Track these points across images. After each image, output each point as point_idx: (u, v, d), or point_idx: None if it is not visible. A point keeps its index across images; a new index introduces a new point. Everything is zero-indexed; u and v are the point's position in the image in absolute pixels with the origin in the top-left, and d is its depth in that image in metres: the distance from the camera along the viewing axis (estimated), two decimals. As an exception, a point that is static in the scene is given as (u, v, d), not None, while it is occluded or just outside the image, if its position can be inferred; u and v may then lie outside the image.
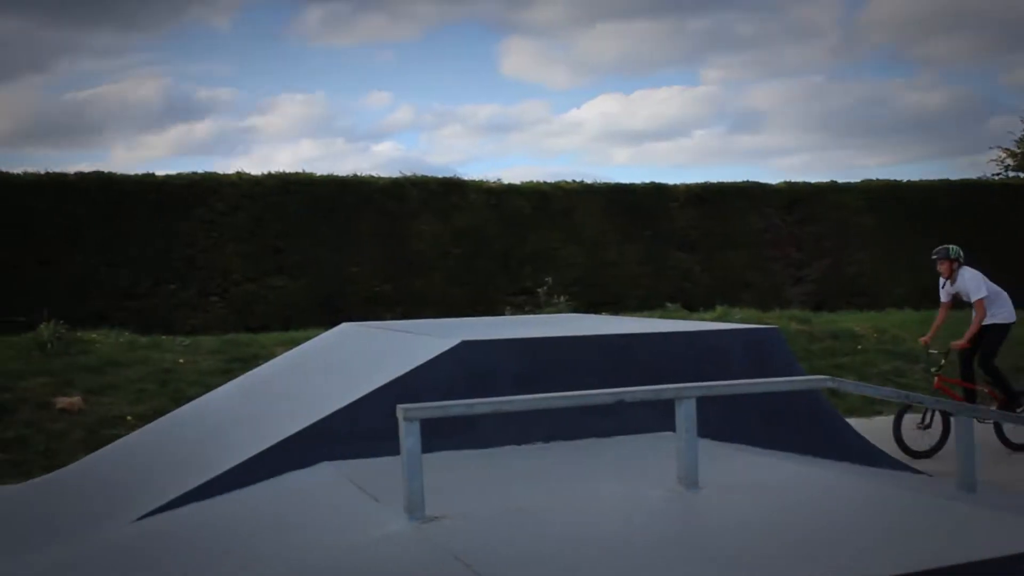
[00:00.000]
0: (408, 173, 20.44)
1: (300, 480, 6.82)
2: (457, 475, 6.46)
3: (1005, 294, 11.92)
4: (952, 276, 11.89)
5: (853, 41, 59.43)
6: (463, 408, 5.75)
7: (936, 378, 11.91)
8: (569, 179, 22.06)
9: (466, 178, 21.02)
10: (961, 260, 11.91)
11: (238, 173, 19.30)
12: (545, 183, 21.78)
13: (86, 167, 18.69)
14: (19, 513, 9.04)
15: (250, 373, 10.69)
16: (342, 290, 18.93)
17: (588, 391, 6.01)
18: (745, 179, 23.68)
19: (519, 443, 7.39)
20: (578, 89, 62.36)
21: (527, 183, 21.64)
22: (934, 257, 12.02)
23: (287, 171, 19.63)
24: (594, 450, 7.25)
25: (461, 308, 18.24)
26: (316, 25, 55.08)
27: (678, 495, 5.69)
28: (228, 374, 12.53)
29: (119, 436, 11.05)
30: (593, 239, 21.34)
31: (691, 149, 62.32)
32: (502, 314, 16.63)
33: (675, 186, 22.99)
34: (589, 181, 22.22)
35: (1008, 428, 11.64)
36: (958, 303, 12.18)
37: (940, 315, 12.19)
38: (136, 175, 18.69)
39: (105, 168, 18.79)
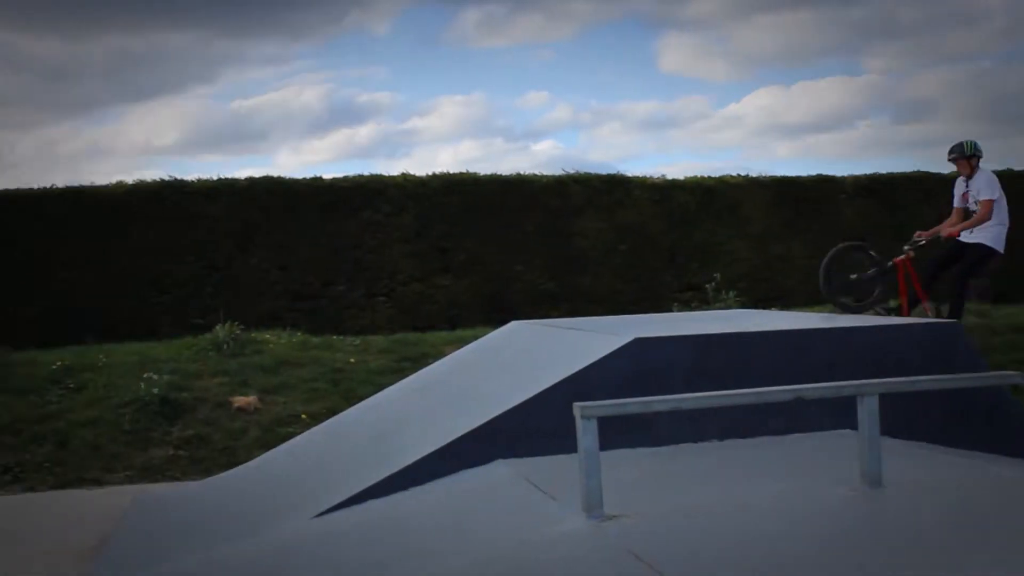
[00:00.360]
0: (571, 171, 20.47)
1: (476, 478, 6.87)
2: (632, 473, 6.42)
3: (1007, 225, 11.30)
4: (972, 173, 11.38)
5: None
6: (640, 406, 5.70)
7: (904, 255, 11.56)
8: (733, 173, 21.78)
9: (629, 174, 20.94)
10: (980, 155, 11.35)
11: (403, 175, 19.58)
12: (709, 178, 21.50)
13: (252, 172, 19.23)
14: (202, 509, 9.33)
15: (421, 372, 10.83)
16: (507, 289, 19.05)
17: (765, 388, 5.88)
18: (915, 169, 23.02)
19: (693, 441, 7.30)
20: (737, 83, 61.33)
21: (691, 178, 21.40)
22: (950, 159, 11.50)
23: (451, 171, 19.86)
24: (770, 448, 7.11)
25: (626, 305, 18.16)
26: (473, 27, 55.52)
27: (862, 494, 5.53)
28: (398, 373, 12.71)
29: (294, 434, 11.33)
30: (760, 233, 20.98)
31: (855, 140, 60.57)
32: (669, 310, 16.49)
33: (843, 178, 22.41)
34: (754, 175, 21.90)
35: None
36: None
37: (950, 218, 11.74)
38: (304, 179, 19.15)
39: (272, 173, 19.34)
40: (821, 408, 6.82)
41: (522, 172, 20.18)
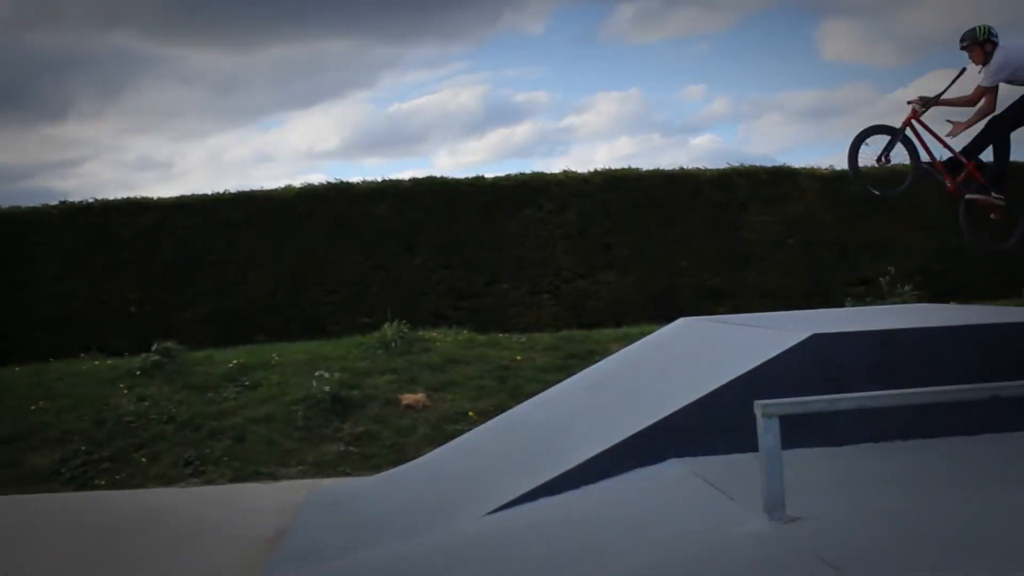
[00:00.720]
0: (735, 164, 20.12)
1: (649, 476, 6.79)
2: (814, 474, 6.23)
3: None
4: (986, 61, 9.48)
5: None
6: (825, 404, 5.54)
7: (910, 110, 9.89)
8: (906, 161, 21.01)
9: (795, 166, 20.44)
10: (995, 39, 9.48)
11: (565, 172, 19.54)
12: (881, 167, 20.80)
13: (411, 174, 19.37)
14: (373, 505, 9.46)
15: (589, 369, 10.79)
16: (672, 284, 18.83)
17: (958, 386, 5.65)
18: (1105, 152, 21.89)
19: (874, 441, 7.07)
20: (904, 67, 59.54)
21: (862, 168, 20.73)
22: (962, 46, 9.65)
23: (613, 167, 19.73)
24: (962, 449, 6.83)
25: (796, 300, 17.75)
26: (628, 23, 55.17)
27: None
28: (565, 371, 12.71)
29: (462, 431, 11.43)
30: (937, 224, 20.22)
31: (1035, 123, 58.07)
32: (841, 305, 16.06)
33: (1025, 163, 21.48)
34: (930, 162, 21.05)
35: None
36: None
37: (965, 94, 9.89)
38: (467, 179, 19.28)
39: (430, 174, 19.46)
40: (1013, 407, 6.50)
41: (685, 166, 19.97)
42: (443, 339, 15.24)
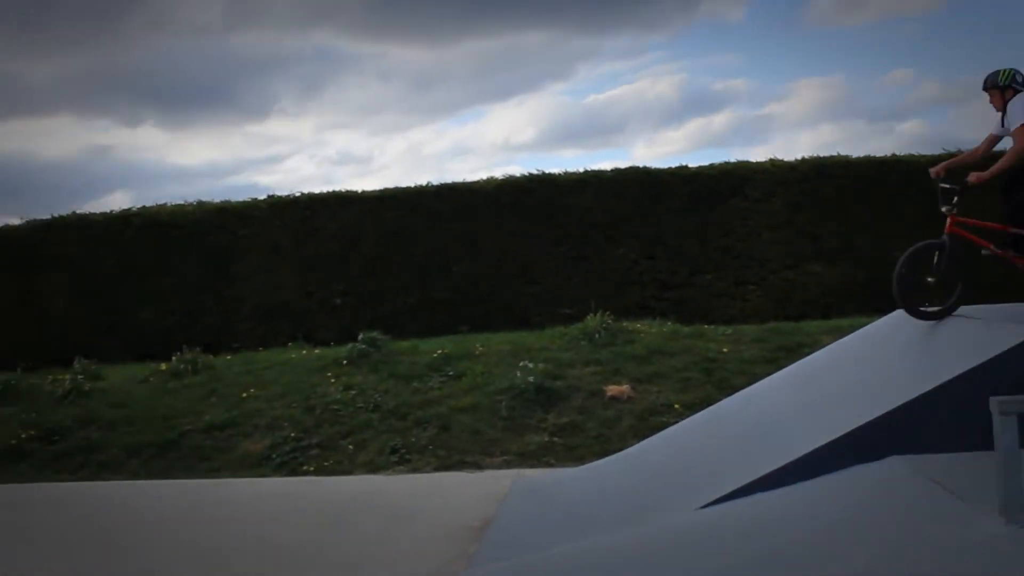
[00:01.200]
0: (952, 150, 19.28)
1: (870, 473, 6.55)
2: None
3: None
4: (1004, 107, 8.92)
5: None
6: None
7: (948, 218, 8.94)
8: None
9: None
10: (1017, 87, 8.89)
11: (771, 160, 19.11)
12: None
13: (608, 165, 19.26)
14: (579, 496, 9.46)
15: (801, 362, 10.53)
16: (883, 276, 18.17)
17: None
18: None
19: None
20: None
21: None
22: (985, 89, 9.09)
23: (821, 155, 19.21)
24: None
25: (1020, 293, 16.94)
26: (831, 6, 53.72)
27: None
28: (773, 363, 12.45)
29: (667, 424, 11.34)
30: None
31: None
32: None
33: None
34: None
35: None
36: None
37: (976, 149, 9.39)
38: (669, 168, 19.04)
39: (628, 165, 19.27)
40: None
41: (897, 153, 19.24)
42: (647, 330, 15.14)
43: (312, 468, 12.24)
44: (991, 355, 7.00)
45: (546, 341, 14.88)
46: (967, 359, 7.16)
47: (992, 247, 9.00)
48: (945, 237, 8.84)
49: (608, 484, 9.62)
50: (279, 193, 19.58)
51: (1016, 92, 8.88)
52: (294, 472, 12.30)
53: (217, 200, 19.64)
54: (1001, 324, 7.76)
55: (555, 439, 12.15)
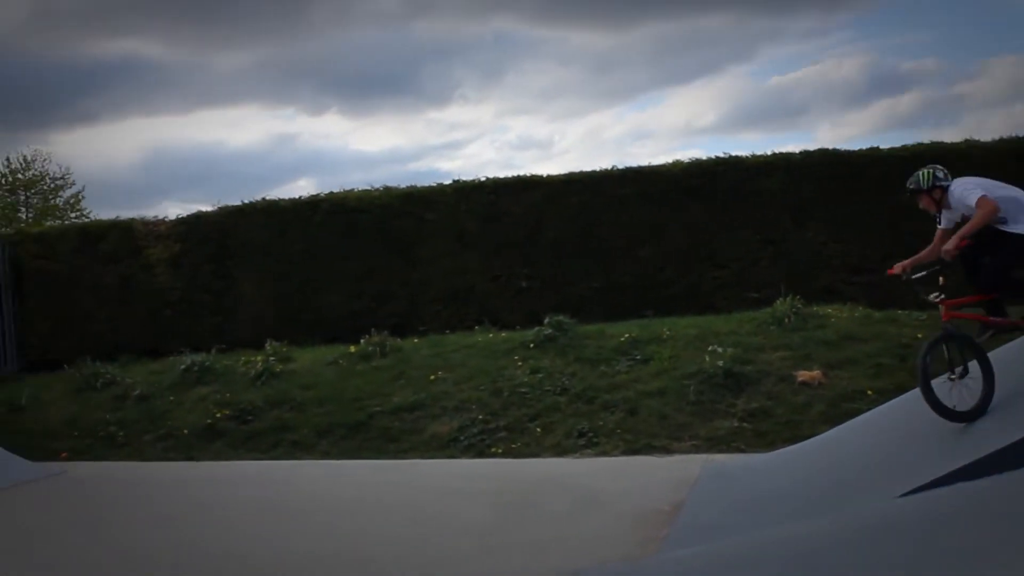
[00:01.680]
0: None
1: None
2: None
3: None
4: (943, 203, 8.96)
5: None
6: None
7: (941, 307, 8.66)
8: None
9: None
10: (943, 184, 8.93)
11: (966, 140, 18.49)
12: None
13: (791, 148, 18.83)
14: (771, 482, 9.40)
15: (1002, 348, 10.18)
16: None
17: None
18: None
19: None
20: None
21: None
22: (908, 192, 9.17)
23: (1019, 135, 18.47)
24: None
25: None
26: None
27: None
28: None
29: (860, 411, 11.14)
30: None
31: None
32: None
33: None
34: None
35: None
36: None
37: (932, 247, 9.07)
38: (859, 150, 18.62)
39: (811, 147, 18.89)
40: None
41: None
42: (838, 315, 14.89)
43: (500, 450, 12.47)
44: None
45: (734, 325, 14.77)
46: None
47: (990, 319, 8.95)
48: (947, 326, 8.67)
49: (800, 471, 9.52)
50: (461, 178, 19.87)
51: (943, 189, 8.97)
52: (482, 454, 12.55)
53: (403, 185, 20.06)
54: None
55: (744, 424, 12.08)
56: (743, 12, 56.50)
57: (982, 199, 8.56)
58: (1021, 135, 18.34)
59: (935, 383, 8.26)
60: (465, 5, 60.12)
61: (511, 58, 70.77)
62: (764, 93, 66.81)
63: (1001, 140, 18.31)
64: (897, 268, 9.18)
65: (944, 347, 8.55)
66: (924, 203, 9.12)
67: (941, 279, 8.83)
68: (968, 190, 8.74)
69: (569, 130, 75.58)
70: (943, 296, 8.73)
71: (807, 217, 17.96)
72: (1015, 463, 6.69)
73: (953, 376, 8.39)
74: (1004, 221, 8.60)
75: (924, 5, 55.50)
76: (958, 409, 8.17)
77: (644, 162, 19.46)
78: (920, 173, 9.09)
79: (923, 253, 9.12)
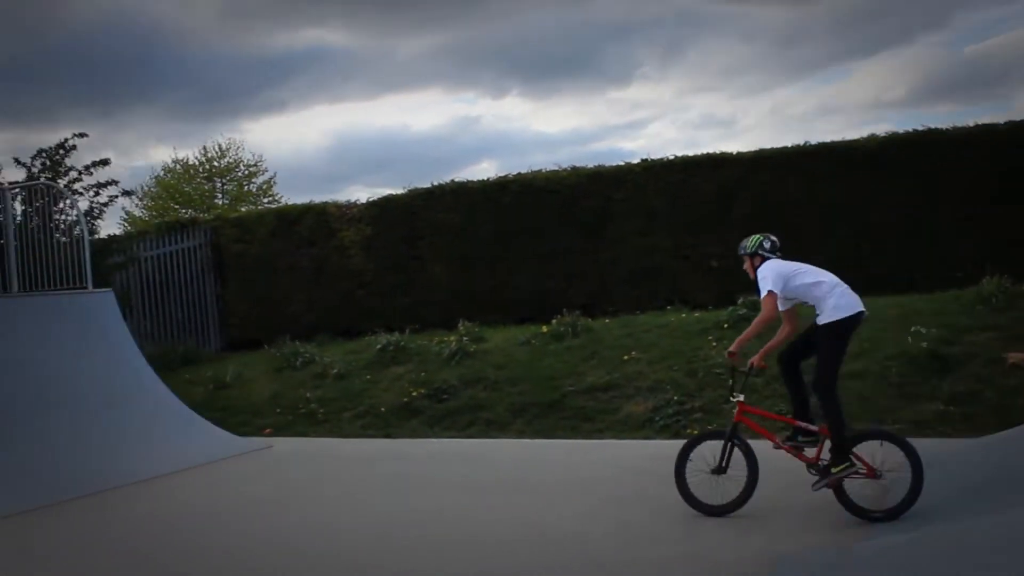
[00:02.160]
0: None
1: None
2: None
3: (837, 286, 8.86)
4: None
5: None
6: None
7: (737, 405, 9.04)
8: None
9: None
10: (764, 253, 9.17)
11: None
12: None
13: (990, 119, 18.02)
14: (980, 469, 9.14)
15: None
16: None
17: None
18: None
19: None
20: None
21: None
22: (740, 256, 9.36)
23: None
24: None
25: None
26: None
27: None
28: None
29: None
30: None
31: None
32: None
33: None
34: None
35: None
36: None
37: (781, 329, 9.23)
38: (1070, 117, 17.86)
39: (1013, 118, 18.02)
40: None
41: None
42: (1039, 296, 14.35)
43: (696, 431, 12.40)
44: None
45: (938, 305, 14.36)
46: None
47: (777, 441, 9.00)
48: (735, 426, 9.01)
49: (1011, 457, 9.22)
50: (648, 157, 19.80)
51: (764, 259, 9.15)
52: (677, 435, 12.55)
53: (589, 165, 20.11)
54: None
55: (951, 408, 11.75)
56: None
57: (766, 298, 8.90)
58: None
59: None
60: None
61: (693, 35, 70.22)
62: (958, 62, 64.62)
63: None
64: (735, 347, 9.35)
65: (723, 444, 8.95)
66: (747, 267, 9.35)
67: (746, 379, 9.21)
68: (762, 279, 9.01)
69: (752, 107, 74.57)
70: (742, 398, 9.08)
71: (1011, 192, 17.26)
72: None
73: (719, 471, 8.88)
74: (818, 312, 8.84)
75: None
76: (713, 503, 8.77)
77: (838, 137, 18.94)
78: (751, 237, 9.35)
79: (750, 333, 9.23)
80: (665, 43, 68.98)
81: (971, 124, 18.05)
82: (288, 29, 64.66)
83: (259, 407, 16.26)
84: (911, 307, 14.38)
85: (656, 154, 20.59)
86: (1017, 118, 18.06)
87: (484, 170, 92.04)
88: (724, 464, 8.88)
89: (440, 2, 60.24)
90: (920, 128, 18.17)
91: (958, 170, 17.38)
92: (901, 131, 18.40)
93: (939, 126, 18.16)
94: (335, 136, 72.41)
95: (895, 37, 63.78)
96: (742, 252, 9.36)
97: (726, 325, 14.97)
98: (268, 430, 15.36)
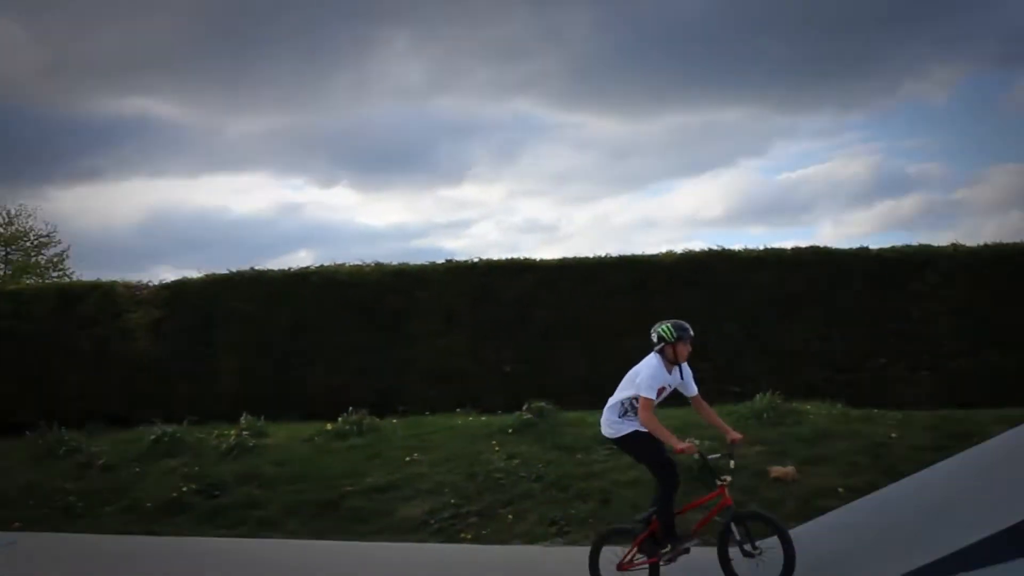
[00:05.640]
0: None
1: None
2: None
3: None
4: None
5: None
6: None
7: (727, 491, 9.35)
8: None
9: None
10: (668, 340, 9.62)
11: (953, 245, 18.91)
12: None
13: (793, 243, 19.28)
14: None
15: (971, 450, 10.51)
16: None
17: None
18: None
19: None
20: None
21: None
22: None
23: (1004, 242, 18.89)
24: None
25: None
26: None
27: None
28: (944, 451, 12.35)
29: (830, 508, 11.39)
30: None
31: None
32: None
33: None
34: None
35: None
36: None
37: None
38: (850, 249, 19.02)
39: (815, 243, 19.26)
40: None
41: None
42: (816, 412, 15.21)
43: (469, 536, 12.64)
44: None
45: (714, 418, 15.03)
46: None
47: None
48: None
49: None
50: (462, 258, 20.29)
51: (671, 345, 9.62)
52: (451, 539, 12.70)
53: (395, 262, 20.48)
54: None
55: (716, 519, 12.25)
56: (761, 108, 57.88)
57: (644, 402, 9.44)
58: (1006, 242, 18.79)
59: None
60: (487, 84, 61.20)
61: (527, 140, 71.86)
62: (772, 188, 68.05)
63: (986, 245, 18.81)
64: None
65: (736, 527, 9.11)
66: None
67: (732, 463, 9.72)
68: (643, 380, 9.62)
69: (577, 215, 76.55)
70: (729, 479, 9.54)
71: (794, 313, 18.33)
72: (976, 564, 6.99)
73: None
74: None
75: (936, 111, 56.83)
76: None
77: (644, 251, 19.79)
78: (664, 326, 9.70)
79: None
80: (500, 145, 70.43)
81: (761, 248, 19.17)
82: (115, 95, 63.37)
83: (10, 499, 15.35)
84: (688, 419, 14.89)
85: (476, 255, 21.01)
86: (804, 245, 19.23)
87: (301, 259, 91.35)
88: (752, 547, 8.89)
89: (278, 84, 60.14)
90: (715, 248, 19.19)
91: (746, 290, 18.37)
92: (697, 249, 19.38)
93: (732, 247, 19.21)
94: (149, 212, 70.73)
95: (720, 159, 66.89)
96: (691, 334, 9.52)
97: (511, 430, 15.32)
98: (16, 524, 14.62)
